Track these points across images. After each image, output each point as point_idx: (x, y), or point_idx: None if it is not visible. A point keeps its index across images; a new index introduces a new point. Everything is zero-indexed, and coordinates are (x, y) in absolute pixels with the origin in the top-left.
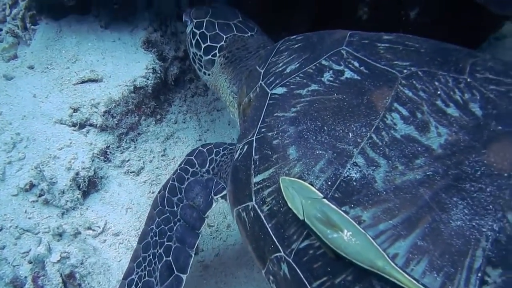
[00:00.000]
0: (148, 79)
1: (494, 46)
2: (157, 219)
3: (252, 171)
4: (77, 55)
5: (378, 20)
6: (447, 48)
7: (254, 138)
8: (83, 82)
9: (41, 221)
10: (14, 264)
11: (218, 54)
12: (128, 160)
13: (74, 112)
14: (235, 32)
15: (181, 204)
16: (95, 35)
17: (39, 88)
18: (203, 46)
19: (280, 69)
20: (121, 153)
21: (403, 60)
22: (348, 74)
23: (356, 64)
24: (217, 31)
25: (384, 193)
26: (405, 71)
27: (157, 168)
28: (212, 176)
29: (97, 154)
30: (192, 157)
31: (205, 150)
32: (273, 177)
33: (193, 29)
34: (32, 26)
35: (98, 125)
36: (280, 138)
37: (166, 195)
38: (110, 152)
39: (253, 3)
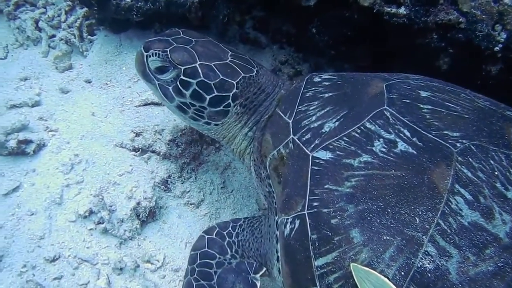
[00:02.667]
0: None
1: None
2: None
3: (312, 253)
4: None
5: (458, 72)
6: (484, 110)
7: (306, 212)
8: (145, 104)
9: (99, 251)
10: None
11: (232, 104)
12: (189, 191)
13: (136, 136)
14: (242, 74)
15: None
16: None
17: (97, 106)
18: (207, 97)
19: (316, 124)
20: (182, 183)
21: (452, 129)
22: (402, 146)
23: (407, 133)
24: (221, 77)
25: (460, 285)
26: (458, 144)
27: (216, 201)
28: (240, 259)
29: (158, 183)
30: (206, 249)
31: (215, 237)
32: (338, 262)
33: (182, 77)
34: (89, 36)
35: (161, 153)
36: (339, 217)
37: None
38: (171, 182)
39: (328, 39)
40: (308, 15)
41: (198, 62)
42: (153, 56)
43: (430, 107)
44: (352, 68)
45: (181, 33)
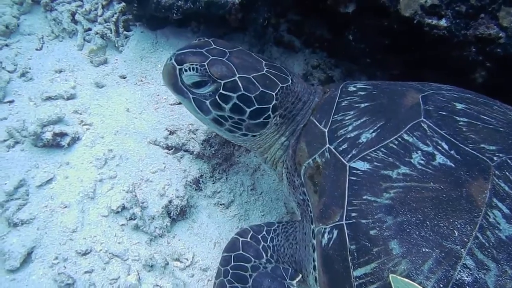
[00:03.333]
0: None
1: None
2: None
3: (350, 263)
4: None
5: (493, 86)
6: None
7: (344, 222)
8: (180, 103)
9: (130, 247)
10: None
11: (272, 115)
12: (220, 192)
13: (170, 134)
14: (280, 85)
15: None
16: None
17: (132, 102)
18: (248, 110)
19: (352, 134)
20: (213, 183)
21: (489, 143)
22: (440, 159)
23: (445, 146)
24: (261, 89)
25: None
26: (495, 158)
27: (246, 202)
28: (275, 264)
29: (190, 182)
30: (241, 252)
31: (250, 240)
32: (377, 272)
33: (222, 91)
34: (125, 32)
35: (194, 152)
36: (378, 228)
37: None
38: (203, 181)
39: (365, 47)
40: (345, 21)
41: (238, 75)
42: (190, 70)
43: (466, 119)
44: (384, 76)
45: (212, 43)
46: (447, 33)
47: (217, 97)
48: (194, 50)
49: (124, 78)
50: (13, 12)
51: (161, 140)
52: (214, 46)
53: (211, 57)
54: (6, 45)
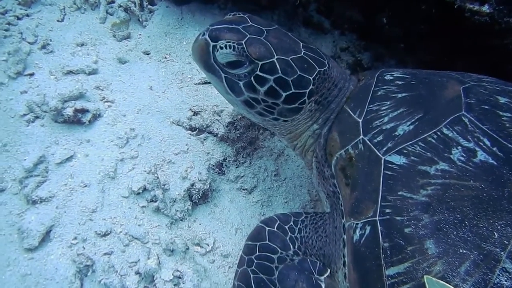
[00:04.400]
0: None
1: None
2: None
3: (383, 261)
4: None
5: None
6: None
7: (377, 219)
8: (205, 83)
9: (150, 229)
10: (122, 274)
11: (307, 101)
12: (243, 176)
13: (194, 115)
14: (318, 69)
15: None
16: None
17: (155, 79)
18: (284, 94)
19: (388, 126)
20: (236, 167)
21: None
22: (481, 156)
23: (488, 142)
24: (299, 73)
25: None
26: None
27: (269, 188)
28: (303, 256)
29: (213, 165)
30: (267, 242)
31: (277, 230)
32: (410, 272)
33: (259, 72)
34: (150, 6)
35: (218, 135)
36: (413, 226)
37: None
38: (226, 165)
39: (399, 31)
40: (378, 3)
41: (276, 57)
42: (226, 48)
43: (509, 114)
44: (414, 62)
45: (248, 20)
46: (489, 20)
47: (252, 78)
48: (230, 26)
49: (148, 54)
50: None
51: (184, 121)
52: (250, 23)
53: (248, 36)
54: (27, 15)
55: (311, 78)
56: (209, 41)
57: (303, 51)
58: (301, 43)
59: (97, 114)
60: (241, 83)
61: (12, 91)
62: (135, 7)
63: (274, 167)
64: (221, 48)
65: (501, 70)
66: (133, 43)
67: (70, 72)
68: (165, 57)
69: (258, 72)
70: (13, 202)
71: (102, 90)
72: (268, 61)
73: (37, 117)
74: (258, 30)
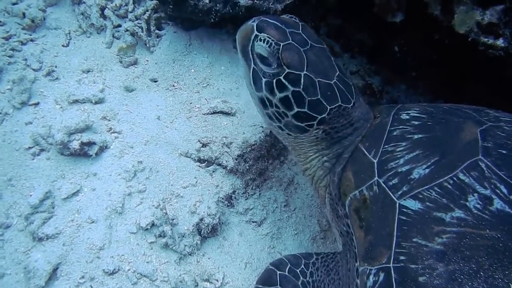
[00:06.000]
0: None
1: None
2: None
3: None
4: (209, 79)
5: None
6: None
7: (391, 265)
8: (214, 112)
9: (159, 266)
10: None
11: (316, 127)
12: (252, 209)
13: (203, 147)
14: (340, 103)
15: None
16: (228, 58)
17: (163, 109)
18: (296, 109)
19: (404, 168)
20: (246, 199)
21: None
22: (498, 204)
23: (504, 190)
24: (319, 97)
25: None
26: None
27: (279, 220)
28: None
29: (222, 198)
30: (278, 286)
31: (288, 274)
32: None
33: (282, 79)
34: (157, 31)
35: (228, 167)
36: (427, 275)
37: None
38: (235, 198)
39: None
40: (390, 30)
41: (304, 72)
42: (264, 42)
43: None
44: (425, 87)
45: (300, 28)
46: (503, 54)
47: (275, 81)
48: (279, 25)
49: (155, 81)
50: (39, 4)
51: (193, 153)
52: (300, 31)
53: (290, 41)
54: (32, 40)
55: (329, 108)
56: (255, 29)
57: (335, 80)
58: (337, 72)
59: (104, 146)
60: (264, 80)
61: (17, 122)
62: (142, 32)
63: (283, 197)
64: (261, 40)
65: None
66: (140, 70)
67: (76, 101)
68: (173, 85)
69: (281, 78)
70: (19, 239)
71: (109, 120)
72: (295, 72)
73: (42, 150)
74: (303, 41)
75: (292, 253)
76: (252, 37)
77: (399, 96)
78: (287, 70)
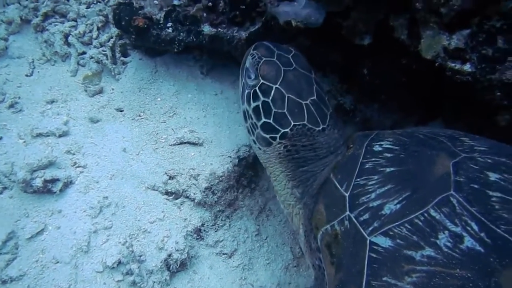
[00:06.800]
0: (251, 148)
1: None
2: None
3: None
4: (176, 108)
5: None
6: None
7: None
8: (181, 143)
9: None
10: None
11: (278, 140)
12: (222, 240)
13: (170, 179)
14: (305, 122)
15: None
16: (195, 85)
17: (129, 140)
18: (263, 119)
19: (375, 204)
20: (215, 231)
21: None
22: (468, 242)
23: (475, 227)
24: (285, 111)
25: None
26: None
27: (250, 250)
28: None
29: (191, 232)
30: None
31: None
32: None
33: (257, 89)
34: (123, 58)
35: (196, 200)
36: None
37: None
38: (204, 230)
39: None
40: (359, 53)
41: (277, 85)
42: (251, 57)
43: (499, 194)
44: (397, 106)
45: (292, 53)
46: (471, 79)
47: (252, 91)
48: (271, 47)
49: (121, 111)
50: (1, 33)
51: (160, 186)
52: (289, 56)
53: (273, 58)
54: None
55: (292, 123)
56: (251, 48)
57: (307, 101)
58: (313, 97)
59: (68, 182)
60: (246, 92)
61: None
62: (107, 59)
63: (255, 226)
64: (251, 55)
65: (485, 120)
66: (105, 99)
67: (39, 135)
68: (139, 115)
69: (256, 88)
70: None
71: (73, 154)
72: (268, 83)
73: (5, 188)
74: (288, 62)
75: (264, 283)
76: (248, 54)
77: (372, 115)
78: (261, 81)
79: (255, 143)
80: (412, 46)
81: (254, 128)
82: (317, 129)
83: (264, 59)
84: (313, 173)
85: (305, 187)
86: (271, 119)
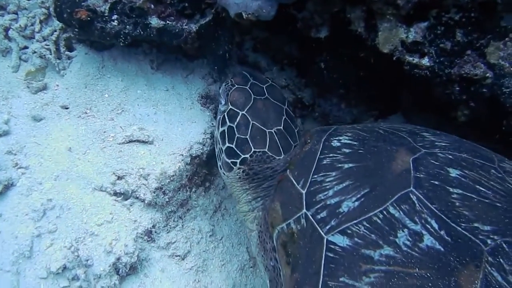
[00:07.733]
0: (204, 145)
1: None
2: None
3: None
4: (124, 105)
5: (475, 125)
6: None
7: None
8: (130, 141)
9: None
10: None
11: (238, 166)
12: (174, 242)
13: (118, 179)
14: (266, 150)
15: None
16: (145, 80)
17: (75, 139)
18: (227, 144)
19: (332, 201)
20: (167, 232)
21: (483, 222)
22: (428, 240)
23: (435, 225)
24: (247, 137)
25: None
26: (489, 241)
27: (204, 251)
28: None
29: (141, 234)
30: None
31: None
32: None
33: (225, 114)
34: (68, 52)
35: (146, 201)
36: None
37: None
38: (156, 232)
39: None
40: (316, 46)
41: (243, 112)
42: (225, 85)
43: (460, 191)
44: (356, 99)
45: (267, 84)
46: (429, 73)
47: (221, 117)
48: (248, 76)
49: (66, 108)
50: None
51: (108, 186)
52: (264, 86)
53: (246, 87)
54: None
55: (253, 150)
56: (230, 76)
57: (272, 130)
58: (280, 127)
59: (9, 184)
60: (218, 117)
61: None
62: (51, 54)
63: (209, 226)
64: (225, 83)
65: (446, 116)
66: (49, 96)
67: None
68: (85, 112)
69: (225, 114)
70: None
71: (15, 154)
72: (235, 109)
73: None
74: (261, 92)
75: (219, 286)
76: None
77: (331, 110)
78: (229, 107)
79: (220, 168)
80: (369, 39)
81: (220, 153)
82: (278, 158)
83: (236, 86)
84: (272, 179)
85: (265, 200)
86: (234, 144)
